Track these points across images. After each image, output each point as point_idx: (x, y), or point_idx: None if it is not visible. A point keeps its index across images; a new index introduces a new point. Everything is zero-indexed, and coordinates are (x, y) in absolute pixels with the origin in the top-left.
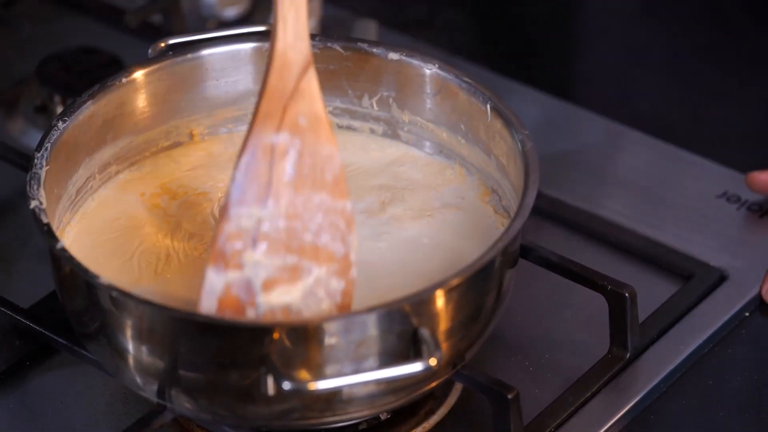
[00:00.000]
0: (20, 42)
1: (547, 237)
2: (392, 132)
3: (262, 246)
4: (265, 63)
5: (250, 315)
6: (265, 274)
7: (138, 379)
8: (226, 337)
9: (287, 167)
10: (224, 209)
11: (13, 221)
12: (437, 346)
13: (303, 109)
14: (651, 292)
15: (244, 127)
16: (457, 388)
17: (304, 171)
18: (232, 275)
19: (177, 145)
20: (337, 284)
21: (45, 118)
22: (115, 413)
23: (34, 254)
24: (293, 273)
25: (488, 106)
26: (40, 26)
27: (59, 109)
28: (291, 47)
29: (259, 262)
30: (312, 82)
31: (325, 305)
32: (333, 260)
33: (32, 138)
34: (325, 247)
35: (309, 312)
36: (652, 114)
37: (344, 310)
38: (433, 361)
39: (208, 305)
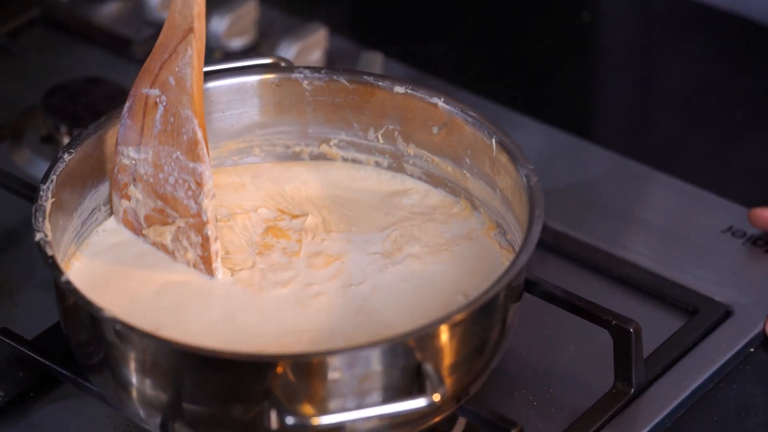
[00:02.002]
0: (26, 72)
1: (551, 271)
2: (397, 165)
3: (139, 185)
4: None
5: (142, 241)
6: (144, 210)
7: (141, 412)
8: (229, 371)
9: (156, 119)
10: (116, 143)
11: (17, 252)
12: (441, 381)
13: (173, 70)
14: (655, 326)
15: (249, 159)
16: (461, 423)
17: (167, 127)
18: (125, 203)
19: None
20: (195, 237)
21: (51, 149)
22: None
23: (38, 285)
24: (162, 216)
25: (494, 140)
26: (46, 56)
27: (65, 140)
28: (179, 11)
29: (139, 198)
30: (189, 48)
31: (190, 254)
32: (189, 214)
33: (38, 168)
34: (181, 200)
35: (180, 257)
36: (658, 148)
37: (206, 263)
38: (436, 397)
39: (116, 220)
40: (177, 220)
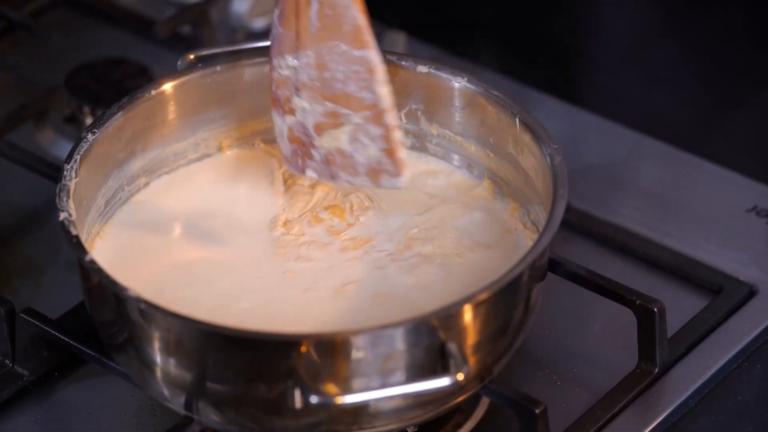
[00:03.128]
0: (49, 53)
1: (575, 251)
2: (420, 145)
3: (304, 93)
4: None
5: (316, 157)
6: (313, 119)
7: (165, 391)
8: (253, 350)
9: (312, 17)
10: (270, 59)
11: (41, 232)
12: (465, 360)
13: None
14: (679, 306)
15: (273, 139)
16: (485, 402)
17: (325, 22)
18: (290, 119)
19: (206, 156)
20: (375, 130)
21: (74, 129)
22: (142, 425)
23: (62, 265)
24: (335, 118)
25: (517, 119)
26: (69, 37)
27: (88, 120)
28: None
29: (305, 108)
30: None
31: (372, 151)
32: (364, 107)
33: (61, 148)
34: (354, 94)
35: (361, 156)
36: (683, 128)
37: (390, 155)
38: (460, 376)
39: (284, 146)
40: (352, 117)
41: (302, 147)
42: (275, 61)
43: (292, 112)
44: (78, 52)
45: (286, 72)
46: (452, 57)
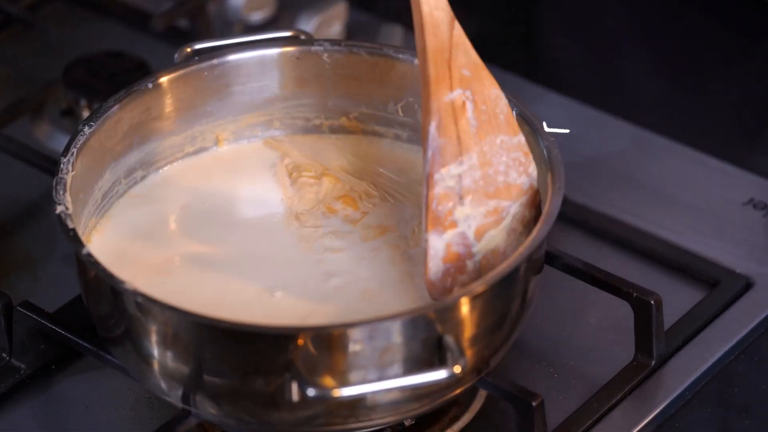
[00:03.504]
0: (46, 46)
1: (572, 243)
2: (417, 138)
3: (468, 199)
4: (414, 30)
5: (469, 267)
6: (475, 224)
7: (163, 384)
8: (250, 343)
9: (469, 119)
10: (429, 177)
11: (38, 225)
12: (462, 353)
13: (463, 61)
14: (676, 299)
15: (270, 132)
16: (482, 395)
17: (482, 118)
18: (450, 234)
19: (202, 150)
20: (529, 214)
21: (71, 122)
22: (139, 418)
23: (59, 258)
24: (496, 215)
25: (514, 112)
26: (66, 30)
27: (85, 113)
28: (435, 7)
29: (469, 214)
30: (460, 34)
31: (523, 238)
32: (523, 193)
33: (58, 142)
34: (514, 183)
35: (511, 249)
36: (679, 121)
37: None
38: (457, 369)
39: (435, 269)
40: (511, 208)
41: (457, 262)
42: (437, 177)
43: (453, 225)
44: (75, 45)
45: (450, 183)
46: None
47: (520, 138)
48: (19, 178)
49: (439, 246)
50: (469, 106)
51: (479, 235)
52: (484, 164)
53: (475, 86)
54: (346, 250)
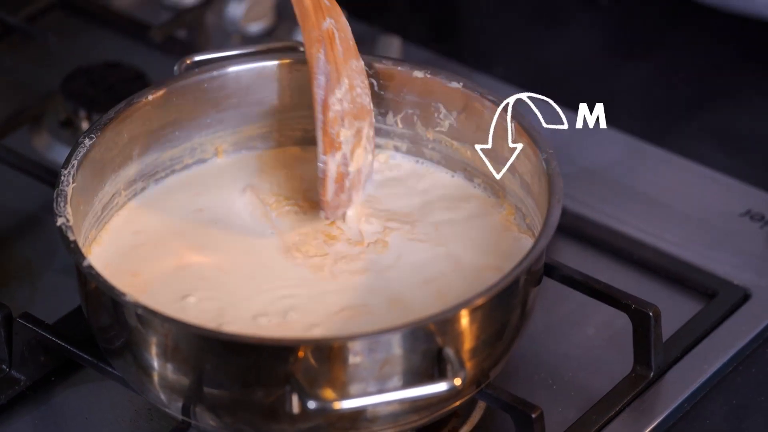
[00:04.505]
0: (45, 57)
1: (571, 255)
2: (416, 149)
3: (346, 121)
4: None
5: (347, 185)
6: (350, 145)
7: (163, 396)
8: (251, 355)
9: (338, 45)
10: (324, 101)
11: (38, 236)
12: (462, 365)
13: None
14: (674, 310)
15: (268, 144)
16: (481, 406)
17: (344, 45)
18: (338, 155)
19: (202, 161)
20: (372, 132)
21: (70, 133)
22: (139, 430)
23: (59, 269)
24: (359, 136)
25: (513, 123)
26: (65, 41)
27: (84, 124)
28: None
29: (348, 136)
30: None
31: (370, 157)
32: (370, 113)
33: (57, 153)
34: (368, 105)
35: (366, 168)
36: (676, 132)
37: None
38: (457, 381)
39: (329, 191)
40: (365, 129)
41: (341, 182)
42: (330, 100)
43: (339, 147)
44: (74, 56)
45: (337, 106)
46: (447, 61)
47: (361, 62)
48: (17, 188)
49: (332, 167)
50: (336, 33)
51: (351, 155)
52: (351, 88)
53: (334, 14)
54: (364, 273)
